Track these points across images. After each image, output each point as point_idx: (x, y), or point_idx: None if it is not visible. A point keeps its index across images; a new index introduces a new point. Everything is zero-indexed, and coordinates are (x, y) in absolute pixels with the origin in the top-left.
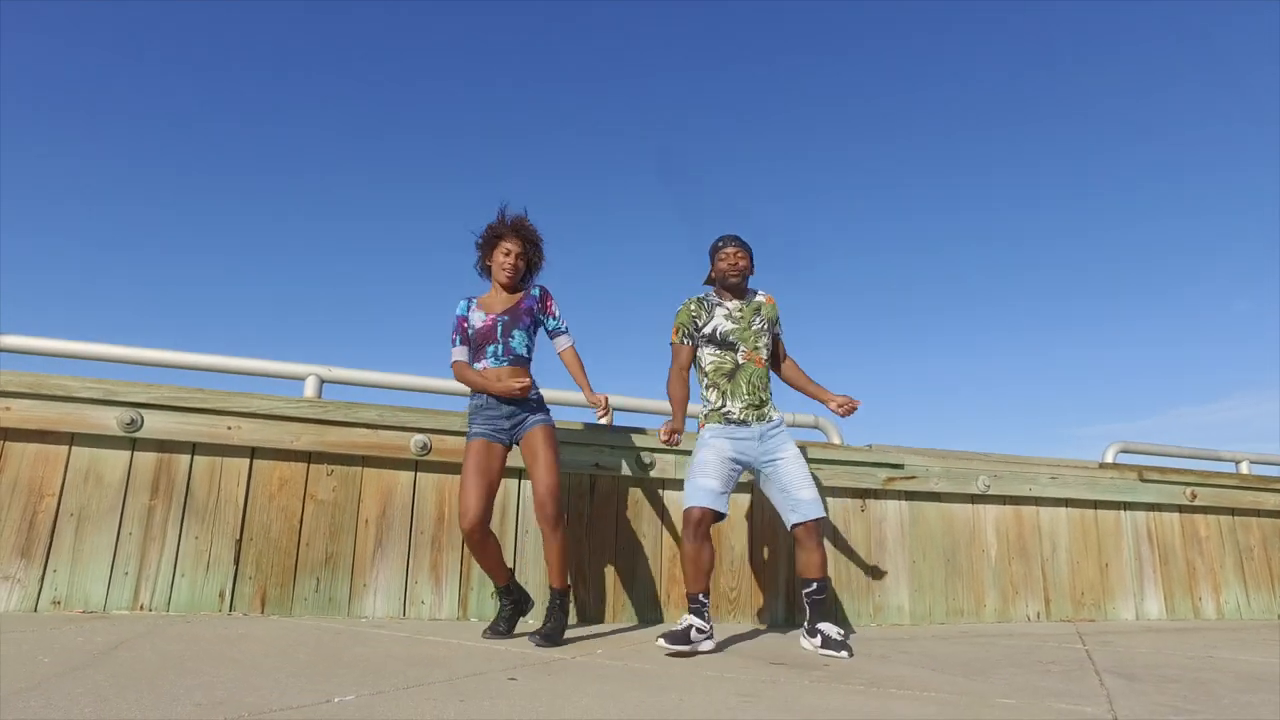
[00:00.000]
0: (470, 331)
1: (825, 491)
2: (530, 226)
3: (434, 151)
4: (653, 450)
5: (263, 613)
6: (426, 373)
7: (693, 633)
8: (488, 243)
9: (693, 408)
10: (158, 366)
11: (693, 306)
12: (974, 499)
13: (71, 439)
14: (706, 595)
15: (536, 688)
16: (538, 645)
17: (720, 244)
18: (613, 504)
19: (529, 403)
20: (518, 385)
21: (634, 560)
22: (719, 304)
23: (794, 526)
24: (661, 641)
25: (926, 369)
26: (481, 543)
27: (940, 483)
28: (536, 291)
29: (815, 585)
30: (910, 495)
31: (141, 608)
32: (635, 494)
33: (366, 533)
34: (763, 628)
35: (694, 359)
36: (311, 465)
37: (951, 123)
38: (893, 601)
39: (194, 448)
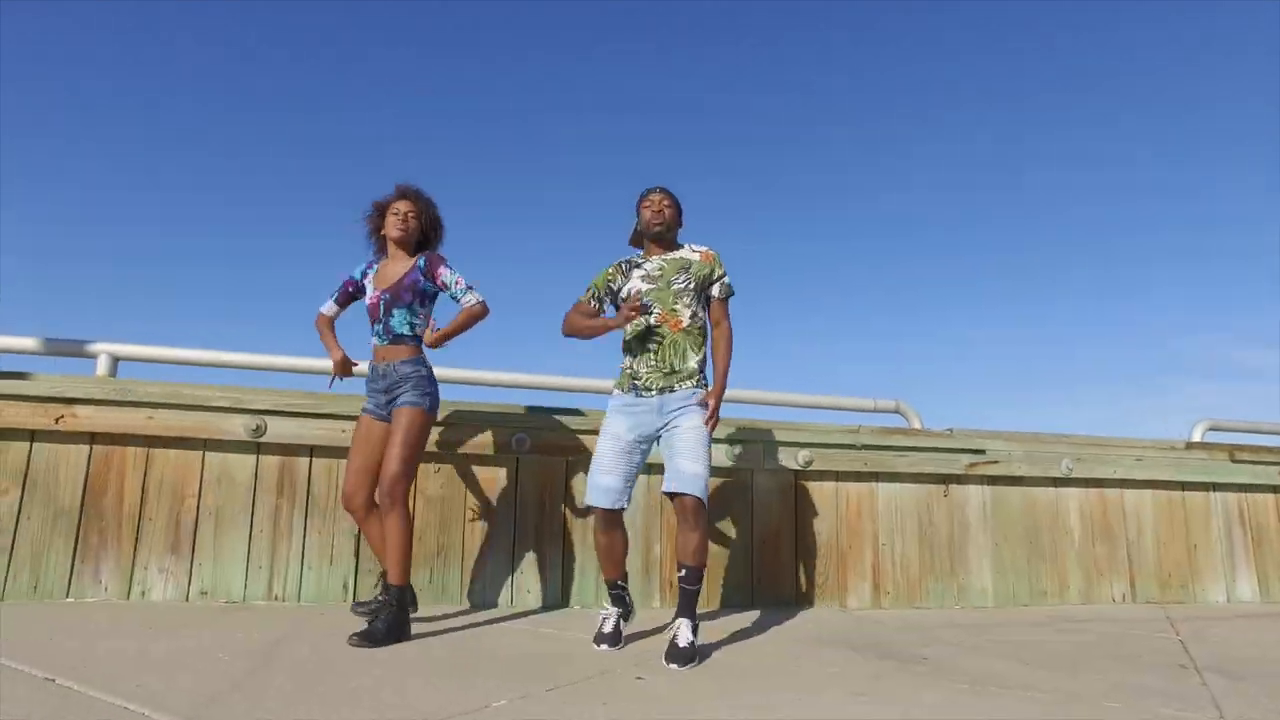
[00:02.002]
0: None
1: (908, 478)
2: (422, 192)
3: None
4: (742, 440)
5: None
6: (524, 369)
7: (620, 624)
8: (378, 212)
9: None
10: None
11: (610, 270)
12: (1056, 482)
13: (205, 444)
14: (625, 580)
15: (666, 687)
16: (355, 645)
17: (645, 193)
18: None
19: (406, 379)
20: (337, 357)
21: (726, 547)
22: (639, 265)
23: (667, 493)
24: (603, 648)
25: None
26: (363, 521)
27: (1022, 467)
28: (422, 261)
29: (685, 571)
30: (992, 480)
31: (275, 598)
32: (726, 482)
33: (474, 526)
34: (857, 610)
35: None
36: (420, 465)
37: (1025, 82)
38: (976, 584)
39: (312, 450)
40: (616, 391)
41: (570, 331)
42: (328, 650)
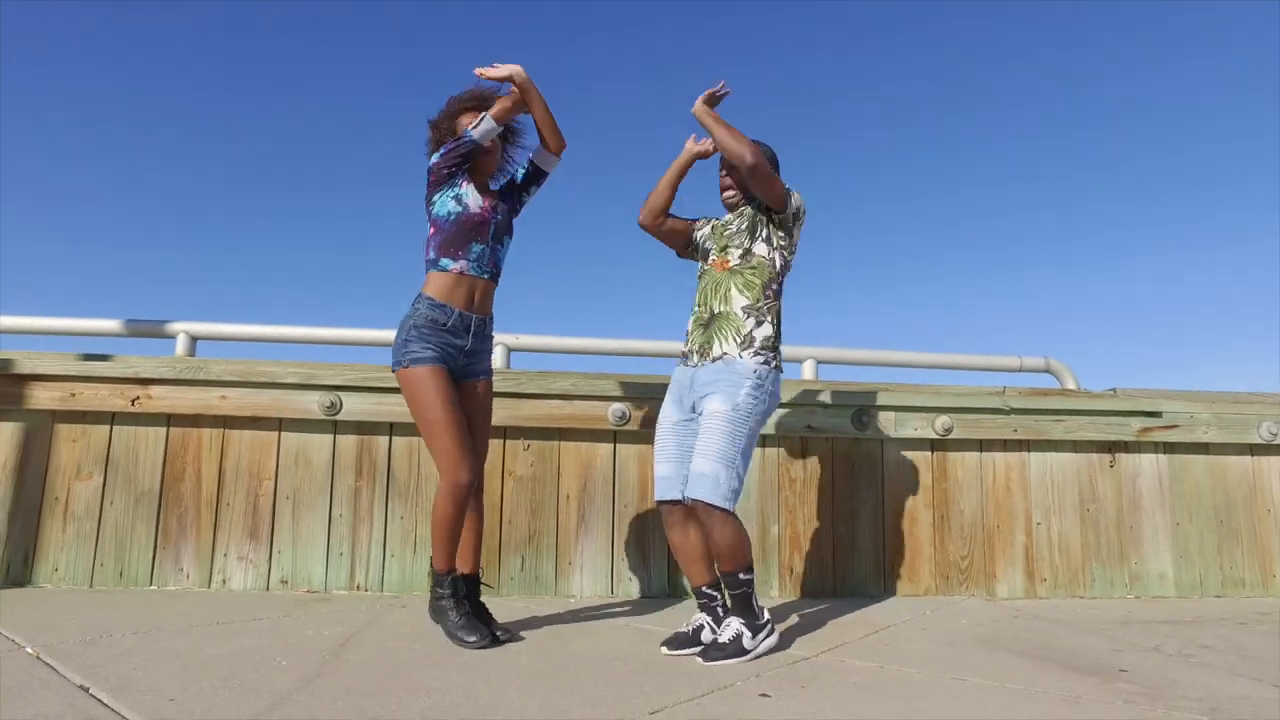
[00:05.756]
0: (453, 212)
1: (1065, 446)
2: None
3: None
4: (870, 407)
5: None
6: (619, 334)
7: (704, 633)
8: (461, 110)
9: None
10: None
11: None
12: (1254, 450)
13: (280, 424)
14: (715, 586)
15: (797, 710)
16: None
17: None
18: (827, 467)
19: (488, 342)
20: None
21: (853, 528)
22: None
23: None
24: (664, 650)
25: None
26: (467, 505)
27: (1210, 432)
28: (520, 173)
29: (723, 578)
30: (1170, 447)
31: (358, 587)
32: (852, 455)
33: (568, 508)
34: (1008, 601)
35: (686, 239)
36: (507, 441)
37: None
38: (1153, 569)
39: (391, 428)
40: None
41: (646, 210)
42: (398, 652)
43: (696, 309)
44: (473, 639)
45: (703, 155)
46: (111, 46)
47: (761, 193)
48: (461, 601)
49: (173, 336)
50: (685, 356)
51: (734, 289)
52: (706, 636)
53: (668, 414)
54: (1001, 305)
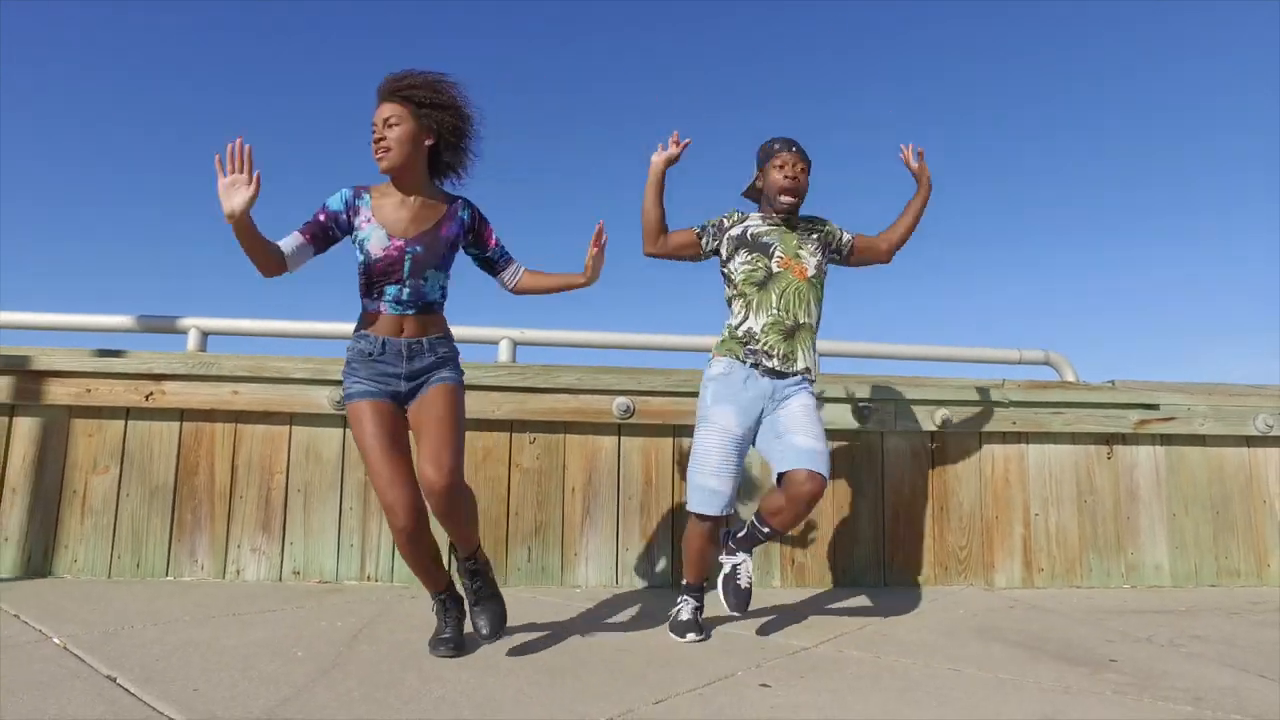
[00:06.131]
0: (364, 259)
1: (1064, 438)
2: (424, 80)
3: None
4: (870, 399)
5: None
6: (625, 328)
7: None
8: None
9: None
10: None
11: (727, 212)
12: (1250, 441)
13: (291, 419)
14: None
15: (795, 700)
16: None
17: (775, 147)
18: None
19: (444, 360)
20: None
21: (853, 519)
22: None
23: (782, 473)
24: (689, 636)
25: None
26: (418, 539)
27: (1207, 424)
28: (466, 215)
29: (767, 530)
30: (1167, 439)
31: (368, 578)
32: (851, 447)
33: (574, 500)
34: (1006, 591)
35: (724, 270)
36: (514, 434)
37: None
38: (1149, 560)
39: None
40: (720, 360)
41: (646, 237)
42: (410, 644)
43: (776, 313)
44: (438, 651)
45: (672, 160)
46: (111, 46)
47: (869, 261)
48: (445, 613)
49: (184, 332)
50: (757, 362)
51: (813, 302)
52: (687, 614)
53: (730, 424)
54: (1001, 298)
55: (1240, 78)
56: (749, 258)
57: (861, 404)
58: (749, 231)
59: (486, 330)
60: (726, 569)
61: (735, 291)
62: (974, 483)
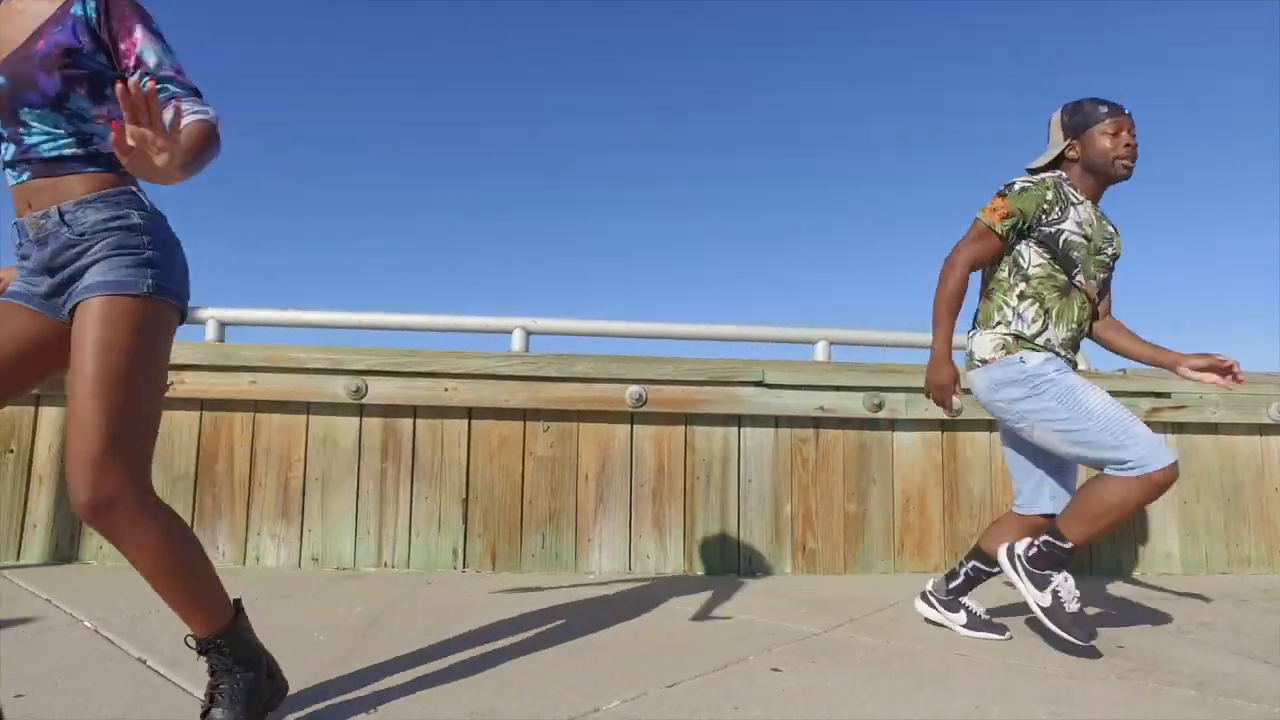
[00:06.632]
0: None
1: None
2: None
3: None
4: (881, 388)
5: (494, 569)
6: (637, 317)
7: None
8: None
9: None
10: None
11: (1050, 194)
12: (1263, 430)
13: (308, 408)
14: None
15: (806, 684)
16: None
17: (1103, 110)
18: (839, 447)
19: (74, 223)
20: None
21: (864, 506)
22: (1075, 204)
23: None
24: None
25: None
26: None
27: (1218, 412)
28: (88, 6)
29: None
30: (1179, 427)
31: (385, 565)
32: (863, 435)
33: (587, 488)
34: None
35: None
36: (528, 423)
37: None
38: (1159, 548)
39: (415, 411)
40: (1037, 354)
41: (944, 292)
42: (433, 630)
43: (1072, 326)
44: None
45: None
46: None
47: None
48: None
49: (202, 323)
50: (1071, 363)
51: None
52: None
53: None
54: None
55: (1243, 75)
56: (1053, 263)
57: (873, 392)
58: (1064, 237)
59: (499, 320)
60: (1045, 602)
61: (1029, 289)
62: (985, 471)
